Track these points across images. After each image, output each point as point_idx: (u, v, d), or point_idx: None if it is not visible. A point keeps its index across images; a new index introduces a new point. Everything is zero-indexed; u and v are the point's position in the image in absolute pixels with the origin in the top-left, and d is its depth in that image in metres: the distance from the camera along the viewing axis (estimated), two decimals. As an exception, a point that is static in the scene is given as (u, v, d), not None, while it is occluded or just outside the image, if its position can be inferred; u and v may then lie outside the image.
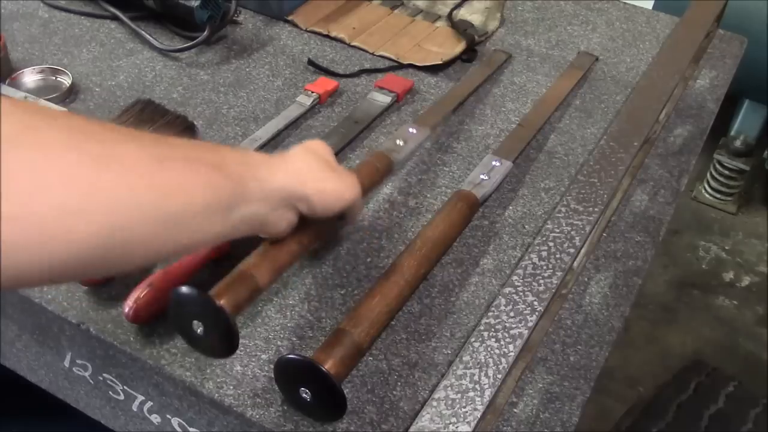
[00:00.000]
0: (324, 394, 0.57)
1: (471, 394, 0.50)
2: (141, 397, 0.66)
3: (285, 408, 0.59)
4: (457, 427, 0.48)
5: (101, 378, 0.68)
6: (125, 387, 0.67)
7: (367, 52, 1.02)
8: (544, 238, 0.61)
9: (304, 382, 0.57)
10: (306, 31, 1.05)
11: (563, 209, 0.64)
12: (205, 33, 0.97)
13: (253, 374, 0.61)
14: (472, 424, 0.48)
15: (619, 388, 1.66)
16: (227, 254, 0.71)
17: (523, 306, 0.55)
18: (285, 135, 0.87)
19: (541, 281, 0.57)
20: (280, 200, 0.55)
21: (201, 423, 0.64)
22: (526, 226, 0.78)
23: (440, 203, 0.78)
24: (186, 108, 0.89)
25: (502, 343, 0.53)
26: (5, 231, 0.36)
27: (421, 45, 1.03)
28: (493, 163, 0.82)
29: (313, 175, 0.57)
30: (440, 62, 0.99)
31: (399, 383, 0.62)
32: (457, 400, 0.49)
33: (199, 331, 0.56)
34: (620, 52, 1.06)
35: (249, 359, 0.63)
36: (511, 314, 0.55)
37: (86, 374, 0.69)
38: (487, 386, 0.50)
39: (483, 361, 0.52)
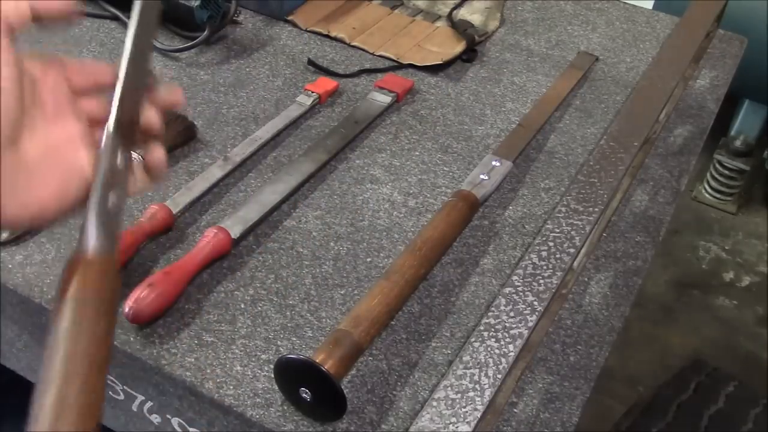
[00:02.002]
0: (324, 394, 0.57)
1: (471, 394, 0.50)
2: (141, 397, 0.66)
3: (285, 408, 0.59)
4: (457, 427, 0.48)
5: (101, 378, 0.68)
6: (125, 387, 0.67)
7: (367, 52, 1.02)
8: (544, 238, 0.61)
9: (304, 382, 0.57)
10: (306, 31, 1.05)
11: (563, 209, 0.64)
12: (205, 33, 0.97)
13: (253, 374, 0.61)
14: (472, 424, 0.48)
15: (619, 388, 1.66)
16: (227, 253, 0.71)
17: (523, 306, 0.55)
18: (285, 135, 0.87)
19: (541, 281, 0.57)
20: None
21: (201, 423, 0.64)
22: (526, 226, 0.78)
23: (440, 203, 0.78)
24: (186, 108, 0.89)
25: (502, 343, 0.53)
26: None
27: (421, 45, 1.03)
28: (493, 163, 0.82)
29: None
30: (440, 62, 0.99)
31: (399, 383, 0.62)
32: (457, 400, 0.49)
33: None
34: (620, 52, 1.06)
35: (249, 359, 0.63)
36: (511, 314, 0.55)
37: (86, 374, 0.69)
38: (487, 386, 0.50)
39: (483, 361, 0.51)
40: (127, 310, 0.63)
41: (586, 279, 0.73)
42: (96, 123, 0.49)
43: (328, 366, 0.56)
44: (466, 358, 0.52)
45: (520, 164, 0.85)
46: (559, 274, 0.58)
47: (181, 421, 0.65)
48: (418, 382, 0.62)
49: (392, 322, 0.66)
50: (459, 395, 0.50)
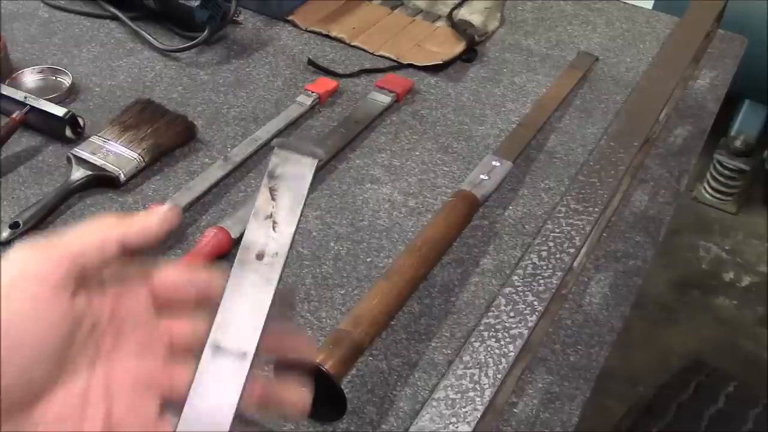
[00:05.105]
0: (324, 394, 0.57)
1: (471, 394, 0.50)
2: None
3: (285, 408, 0.59)
4: (457, 427, 0.48)
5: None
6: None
7: (367, 52, 1.02)
8: (544, 238, 0.61)
9: (304, 382, 0.57)
10: (306, 31, 1.05)
11: (563, 209, 0.64)
12: (205, 33, 0.97)
13: (253, 374, 0.61)
14: (472, 424, 0.48)
15: (619, 388, 1.66)
16: (227, 253, 0.71)
17: (523, 306, 0.55)
18: (285, 135, 0.87)
19: (541, 281, 0.57)
20: None
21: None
22: (526, 226, 0.78)
23: (440, 203, 0.78)
24: (186, 108, 0.89)
25: (502, 343, 0.53)
26: None
27: (421, 45, 1.03)
28: (493, 163, 0.82)
29: None
30: (440, 62, 0.99)
31: (399, 383, 0.62)
32: (457, 400, 0.49)
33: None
34: (620, 52, 1.06)
35: (249, 359, 0.62)
36: (511, 314, 0.55)
37: (86, 374, 0.68)
38: (487, 386, 0.50)
39: (483, 361, 0.51)
40: (127, 310, 0.63)
41: (586, 279, 0.73)
42: (181, 350, 0.40)
43: (328, 366, 0.56)
44: (466, 358, 0.52)
45: (520, 164, 0.85)
46: (559, 274, 0.58)
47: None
48: (418, 382, 0.62)
49: (392, 322, 0.66)
50: (459, 395, 0.50)
